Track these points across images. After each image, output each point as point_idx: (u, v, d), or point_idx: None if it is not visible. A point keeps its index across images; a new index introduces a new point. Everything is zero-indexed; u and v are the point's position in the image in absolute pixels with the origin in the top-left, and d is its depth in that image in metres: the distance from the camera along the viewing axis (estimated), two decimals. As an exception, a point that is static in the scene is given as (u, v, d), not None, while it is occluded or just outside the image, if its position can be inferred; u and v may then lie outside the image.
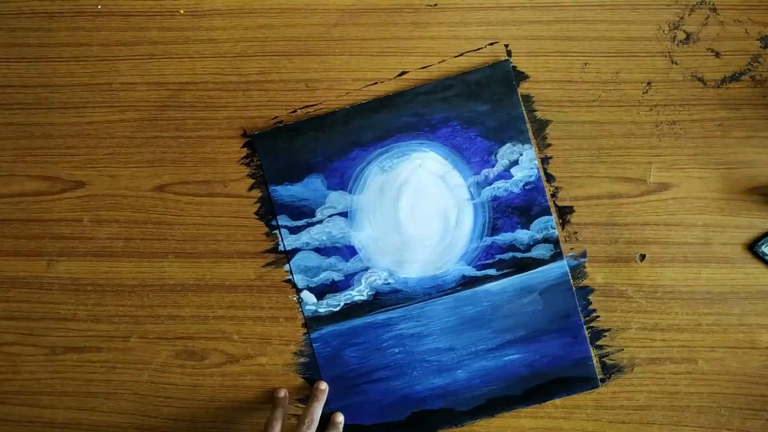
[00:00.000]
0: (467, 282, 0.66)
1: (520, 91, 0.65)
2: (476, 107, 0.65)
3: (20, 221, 0.68)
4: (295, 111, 0.66)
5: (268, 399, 0.67)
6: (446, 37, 0.66)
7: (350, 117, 0.66)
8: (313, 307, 0.66)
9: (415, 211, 0.66)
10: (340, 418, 0.65)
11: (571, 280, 0.65)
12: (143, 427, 0.67)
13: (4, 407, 0.68)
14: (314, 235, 0.66)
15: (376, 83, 0.66)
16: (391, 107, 0.66)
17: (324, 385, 0.65)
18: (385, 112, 0.66)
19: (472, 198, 0.66)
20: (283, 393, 0.65)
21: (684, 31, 0.65)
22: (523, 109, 0.65)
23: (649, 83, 0.65)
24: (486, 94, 0.65)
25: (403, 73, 0.66)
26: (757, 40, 0.65)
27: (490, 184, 0.66)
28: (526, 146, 0.65)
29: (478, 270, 0.66)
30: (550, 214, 0.65)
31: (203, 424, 0.67)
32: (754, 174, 0.64)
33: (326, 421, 0.65)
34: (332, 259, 0.66)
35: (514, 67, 0.66)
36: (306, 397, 0.66)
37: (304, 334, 0.66)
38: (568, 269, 0.65)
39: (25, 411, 0.68)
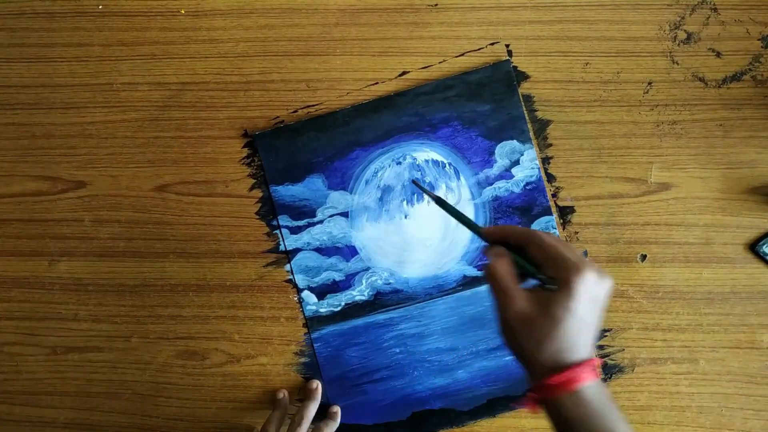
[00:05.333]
0: (468, 282, 0.66)
1: (520, 91, 0.65)
2: (477, 107, 0.65)
3: (21, 221, 0.68)
4: (296, 111, 0.67)
5: (269, 399, 0.67)
6: (447, 37, 0.66)
7: (351, 117, 0.66)
8: (314, 307, 0.66)
9: (416, 211, 0.66)
10: (336, 408, 0.65)
11: (572, 280, 0.65)
12: (144, 426, 0.67)
13: (5, 407, 0.68)
14: (315, 235, 0.66)
15: (376, 83, 0.66)
16: (392, 107, 0.66)
17: (315, 384, 0.65)
18: (385, 112, 0.66)
19: (473, 198, 0.66)
20: (282, 394, 0.65)
21: (685, 30, 0.65)
22: (524, 109, 0.65)
23: (650, 83, 0.65)
24: (487, 94, 0.65)
25: (403, 73, 0.66)
26: (758, 39, 0.64)
27: (491, 184, 0.66)
28: (527, 146, 0.65)
29: (479, 270, 0.66)
30: (551, 214, 0.65)
31: (204, 424, 0.67)
32: (756, 174, 0.64)
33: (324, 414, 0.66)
34: (333, 259, 0.66)
35: (515, 67, 0.66)
36: (307, 397, 0.66)
37: (305, 334, 0.66)
38: (569, 269, 0.65)
39: (27, 411, 0.68)
